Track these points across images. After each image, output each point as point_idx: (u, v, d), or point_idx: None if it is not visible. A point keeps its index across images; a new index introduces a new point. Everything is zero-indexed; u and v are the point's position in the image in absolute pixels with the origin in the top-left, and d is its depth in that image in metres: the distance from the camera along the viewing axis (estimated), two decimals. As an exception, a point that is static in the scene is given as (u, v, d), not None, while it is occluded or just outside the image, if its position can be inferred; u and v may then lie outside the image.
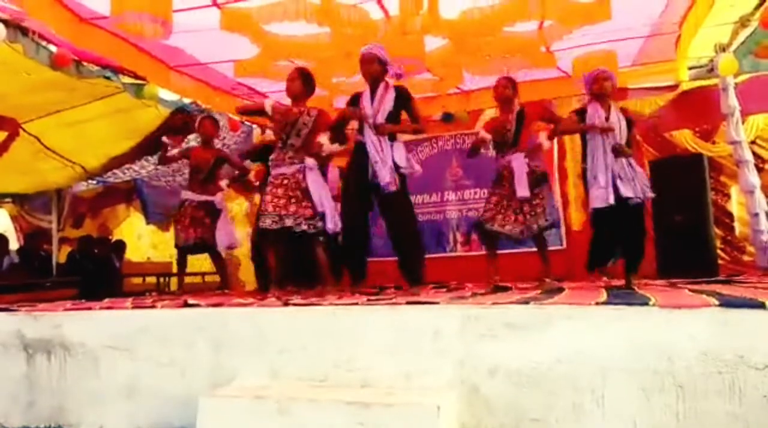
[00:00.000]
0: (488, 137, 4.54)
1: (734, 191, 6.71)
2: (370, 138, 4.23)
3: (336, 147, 4.52)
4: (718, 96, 6.06)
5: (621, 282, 4.25)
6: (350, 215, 4.35)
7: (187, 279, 6.30)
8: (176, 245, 5.48)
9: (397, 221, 4.39)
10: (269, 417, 2.41)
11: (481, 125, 5.00)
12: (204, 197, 5.36)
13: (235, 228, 5.80)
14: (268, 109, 4.32)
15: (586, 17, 4.88)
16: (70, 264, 8.26)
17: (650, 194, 4.22)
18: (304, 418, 2.38)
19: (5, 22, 4.59)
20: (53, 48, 5.11)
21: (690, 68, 6.31)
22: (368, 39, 5.22)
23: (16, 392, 3.25)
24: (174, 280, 9.07)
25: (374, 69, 4.30)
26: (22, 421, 3.20)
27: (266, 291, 4.85)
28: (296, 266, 4.81)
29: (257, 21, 4.91)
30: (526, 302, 2.73)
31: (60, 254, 8.45)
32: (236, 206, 8.75)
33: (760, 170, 6.20)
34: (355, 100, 4.43)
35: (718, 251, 6.31)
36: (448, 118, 7.57)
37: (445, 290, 4.32)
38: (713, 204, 6.17)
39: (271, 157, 4.41)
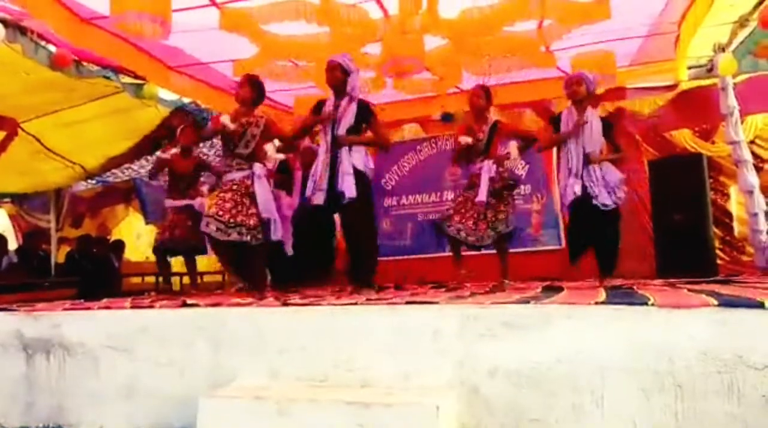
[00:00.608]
0: (469, 140, 4.59)
1: (733, 190, 6.72)
2: (326, 146, 4.31)
3: (281, 156, 4.58)
4: (717, 96, 6.06)
5: (619, 282, 4.26)
6: (310, 223, 4.51)
7: (185, 280, 6.31)
8: (154, 249, 5.56)
9: (352, 224, 4.36)
10: (269, 418, 2.41)
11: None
12: (185, 202, 5.42)
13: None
14: (230, 125, 4.36)
15: (585, 17, 4.88)
16: (69, 264, 8.25)
17: (621, 195, 4.19)
18: (303, 418, 2.38)
19: (4, 22, 4.59)
20: (52, 48, 5.11)
21: (689, 68, 6.31)
22: (368, 39, 5.24)
23: (15, 392, 3.25)
24: (175, 280, 9.11)
25: (336, 77, 4.32)
26: (21, 421, 3.19)
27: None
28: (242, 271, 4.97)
29: (257, 21, 4.91)
30: (526, 302, 2.73)
31: (59, 254, 8.44)
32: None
33: (759, 169, 6.21)
34: (318, 107, 4.47)
35: (717, 251, 6.32)
36: (447, 118, 7.58)
37: (444, 289, 4.32)
38: (712, 204, 6.18)
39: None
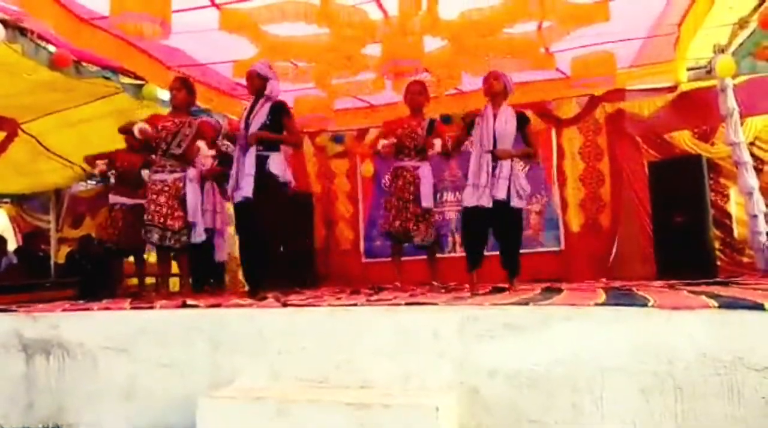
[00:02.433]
0: (438, 148, 4.68)
1: (733, 192, 6.71)
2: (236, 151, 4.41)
3: (212, 152, 4.67)
4: (716, 97, 6.06)
5: (619, 283, 4.25)
6: (240, 227, 4.45)
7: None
8: (106, 250, 5.67)
9: (251, 226, 4.29)
10: (269, 418, 2.41)
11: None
12: (135, 201, 5.40)
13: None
14: (137, 133, 4.59)
15: (585, 18, 4.89)
16: (69, 264, 8.24)
17: (518, 203, 3.99)
18: (303, 419, 2.38)
19: (4, 23, 4.59)
20: (52, 48, 5.11)
21: (689, 69, 6.32)
22: (367, 40, 5.24)
23: (15, 392, 3.25)
24: (175, 281, 9.09)
25: (256, 83, 4.37)
26: (21, 421, 3.19)
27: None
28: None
29: (256, 22, 4.92)
30: (525, 303, 2.73)
31: (58, 255, 8.43)
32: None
33: (758, 171, 6.20)
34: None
35: (717, 253, 6.31)
36: (446, 119, 7.57)
37: (443, 290, 4.32)
38: (712, 205, 6.17)
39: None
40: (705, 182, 5.91)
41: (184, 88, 4.70)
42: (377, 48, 5.35)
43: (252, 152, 4.22)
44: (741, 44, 5.75)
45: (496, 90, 4.14)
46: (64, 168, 7.32)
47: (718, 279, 4.96)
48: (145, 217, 4.51)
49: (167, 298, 4.23)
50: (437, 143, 4.66)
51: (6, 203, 9.75)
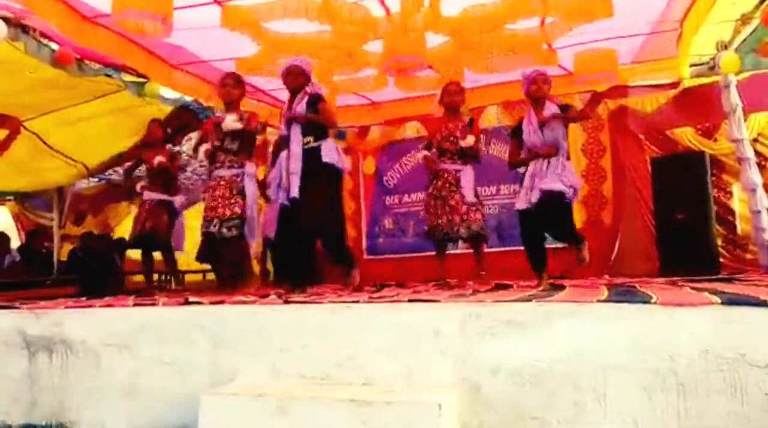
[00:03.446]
0: (470, 141, 4.62)
1: (736, 188, 6.69)
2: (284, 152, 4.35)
3: (238, 124, 4.48)
4: (719, 94, 6.04)
5: (621, 280, 4.25)
6: (285, 223, 4.40)
7: (189, 277, 6.32)
8: (128, 244, 5.79)
9: (301, 222, 4.21)
10: (270, 415, 2.42)
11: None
12: (164, 196, 5.50)
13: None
14: (203, 155, 4.66)
15: (587, 14, 4.87)
16: (71, 262, 8.26)
17: (559, 188, 4.01)
18: (304, 416, 2.38)
19: (7, 20, 4.59)
20: (55, 46, 5.11)
21: (692, 66, 6.30)
22: (369, 36, 5.23)
23: (18, 390, 3.26)
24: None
25: (299, 80, 4.36)
26: (24, 419, 3.20)
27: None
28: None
29: (258, 18, 4.91)
30: (528, 300, 2.73)
31: (61, 252, 8.45)
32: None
33: (762, 167, 6.18)
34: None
35: (720, 249, 6.30)
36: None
37: (445, 287, 4.32)
38: (715, 202, 6.16)
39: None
40: (708, 178, 5.90)
41: (238, 85, 4.71)
42: (379, 45, 5.34)
43: (297, 149, 4.19)
44: (744, 40, 5.73)
45: (544, 93, 4.15)
46: (67, 166, 7.33)
47: (720, 276, 4.95)
48: (203, 214, 4.55)
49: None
50: (469, 139, 4.56)
51: (9, 200, 9.78)
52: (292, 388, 2.61)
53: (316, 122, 4.27)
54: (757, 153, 6.22)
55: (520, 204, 4.17)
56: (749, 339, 2.19)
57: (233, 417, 2.48)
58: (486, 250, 4.87)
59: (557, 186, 3.96)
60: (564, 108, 4.27)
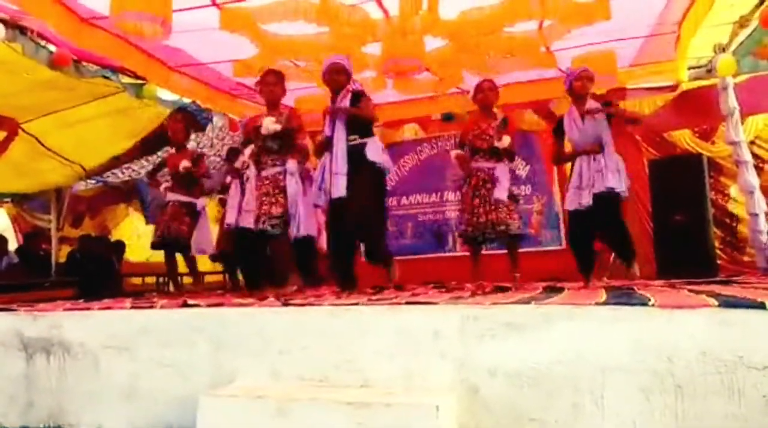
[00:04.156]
0: (506, 142, 4.49)
1: (734, 191, 6.71)
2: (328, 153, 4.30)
3: (277, 126, 4.41)
4: (717, 96, 6.06)
5: (619, 283, 4.26)
6: (333, 223, 4.37)
7: (186, 280, 6.31)
8: (152, 244, 5.56)
9: (347, 222, 4.20)
10: (269, 417, 2.41)
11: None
12: (187, 198, 5.44)
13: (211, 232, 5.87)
14: (241, 166, 4.72)
15: (585, 17, 4.88)
16: (69, 264, 8.25)
17: (613, 184, 4.01)
18: (303, 418, 2.38)
19: (4, 22, 4.59)
20: (52, 47, 5.11)
21: (689, 68, 6.31)
22: (368, 39, 5.24)
23: (15, 392, 3.25)
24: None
25: (341, 80, 4.35)
26: (21, 421, 3.19)
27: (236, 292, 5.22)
28: (263, 268, 4.98)
29: (256, 21, 4.91)
30: (526, 302, 2.73)
31: (59, 254, 8.44)
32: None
33: (759, 170, 6.21)
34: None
35: (718, 252, 6.32)
36: (448, 118, 7.58)
37: (444, 290, 4.32)
38: (713, 204, 6.17)
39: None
40: (705, 180, 5.91)
41: (280, 83, 4.65)
42: (377, 47, 5.35)
43: (342, 148, 4.15)
44: (742, 43, 5.75)
45: (588, 90, 4.15)
46: (65, 167, 7.33)
47: (718, 278, 4.96)
48: (249, 209, 4.51)
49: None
50: (505, 139, 4.45)
51: (6, 202, 9.76)
52: (292, 390, 2.61)
53: (360, 119, 4.22)
54: (755, 156, 6.25)
55: (570, 205, 4.14)
56: (747, 342, 2.19)
57: (232, 418, 2.48)
58: (484, 252, 4.85)
59: (612, 184, 3.96)
60: (606, 104, 4.25)
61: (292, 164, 4.49)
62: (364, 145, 4.20)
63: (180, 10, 4.36)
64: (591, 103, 4.19)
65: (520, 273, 4.59)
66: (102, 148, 7.25)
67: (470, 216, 4.56)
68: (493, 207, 4.46)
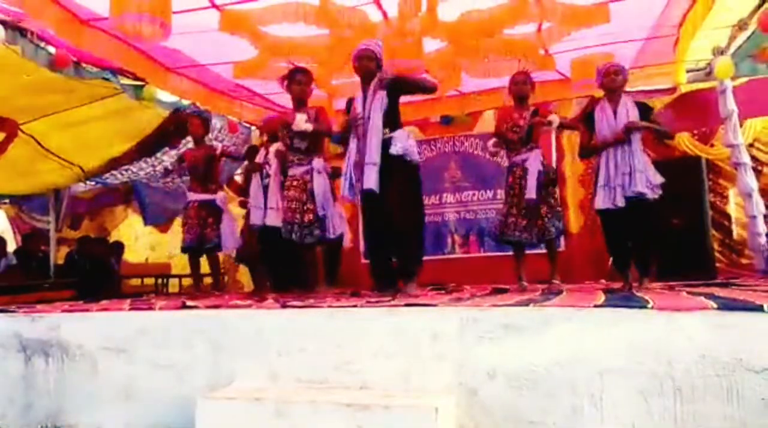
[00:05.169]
0: (556, 121, 4.41)
1: (732, 193, 6.72)
2: (354, 140, 4.12)
3: (309, 126, 4.30)
4: (716, 99, 6.06)
5: (618, 285, 4.25)
6: (368, 221, 4.23)
7: (185, 281, 6.31)
8: (182, 249, 5.48)
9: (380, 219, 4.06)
10: (267, 419, 2.41)
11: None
12: (205, 197, 5.38)
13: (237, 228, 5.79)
14: (274, 155, 4.62)
15: (584, 20, 4.89)
16: (68, 265, 8.25)
17: (644, 190, 3.94)
18: (302, 420, 2.38)
19: (4, 23, 4.59)
20: (52, 49, 5.10)
21: (688, 71, 6.32)
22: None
23: (14, 393, 3.25)
24: (173, 282, 9.07)
25: (371, 66, 4.14)
26: (20, 422, 3.19)
27: (262, 293, 5.05)
28: (292, 270, 4.89)
29: (256, 22, 4.91)
30: (525, 305, 2.73)
31: (58, 255, 8.43)
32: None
33: (758, 172, 6.21)
34: (349, 105, 4.32)
35: (716, 254, 6.32)
36: (447, 120, 7.59)
37: (443, 292, 4.32)
38: (711, 207, 6.18)
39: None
40: (704, 183, 5.93)
41: (310, 82, 4.56)
42: (377, 49, 5.35)
43: (376, 139, 3.94)
44: (740, 46, 5.75)
45: (618, 85, 4.14)
46: (64, 169, 7.33)
47: (717, 281, 4.97)
48: (282, 215, 4.41)
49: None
50: (554, 118, 4.34)
51: (5, 203, 9.76)
52: (290, 392, 2.61)
53: (393, 113, 4.06)
54: (753, 158, 6.25)
55: (602, 203, 4.05)
56: (745, 344, 2.20)
57: (230, 420, 2.48)
58: (483, 254, 4.85)
59: (642, 189, 3.90)
60: (644, 107, 4.19)
61: (318, 163, 4.39)
62: (391, 139, 4.01)
63: (180, 11, 4.36)
64: (625, 103, 4.11)
65: (559, 276, 4.46)
66: (101, 149, 7.24)
67: (502, 221, 4.52)
68: (518, 211, 4.43)
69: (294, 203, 4.32)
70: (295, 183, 4.36)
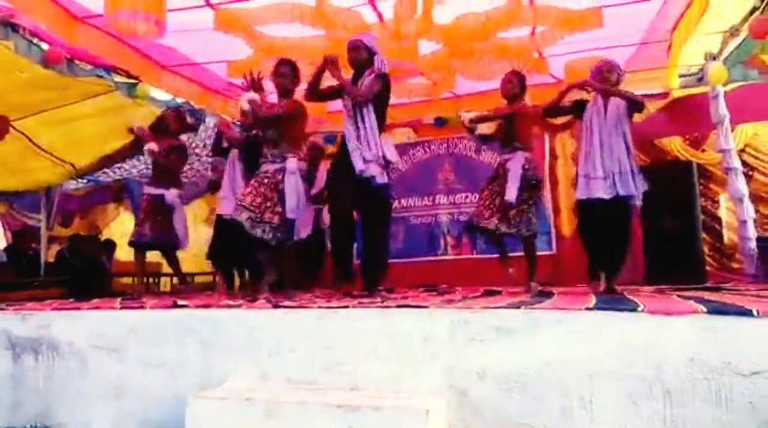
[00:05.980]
0: (471, 115, 4.51)
1: (723, 198, 6.76)
2: (349, 127, 4.16)
3: (255, 96, 4.14)
4: (708, 104, 6.10)
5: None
6: (335, 213, 4.30)
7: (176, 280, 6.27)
8: (129, 242, 5.35)
9: (371, 217, 4.15)
10: (257, 419, 2.41)
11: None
12: (157, 191, 5.29)
13: (190, 228, 5.66)
14: (246, 104, 4.23)
15: (578, 24, 4.91)
16: (59, 263, 8.20)
17: (633, 192, 3.91)
18: (292, 421, 2.38)
19: (-3, 20, 4.57)
20: (45, 46, 5.08)
21: (681, 76, 6.36)
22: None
23: (2, 391, 3.23)
24: (165, 280, 9.03)
25: (361, 56, 4.17)
26: (8, 421, 3.17)
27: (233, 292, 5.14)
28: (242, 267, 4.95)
29: (251, 22, 4.91)
30: (516, 307, 2.74)
31: (49, 253, 8.39)
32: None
33: (748, 177, 6.25)
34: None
35: (707, 258, 6.36)
36: (440, 122, 7.60)
37: (435, 293, 4.32)
38: (702, 211, 6.21)
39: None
40: (695, 187, 5.96)
41: (292, 73, 4.37)
42: (372, 51, 5.35)
43: (372, 132, 4.02)
44: (732, 52, 5.79)
45: (611, 82, 4.16)
46: (55, 166, 7.29)
47: (707, 285, 4.99)
48: (250, 205, 4.09)
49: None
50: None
51: (-5, 200, 9.70)
52: (280, 392, 2.61)
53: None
54: (744, 163, 6.29)
55: (582, 194, 4.02)
56: (735, 348, 2.21)
57: (221, 420, 2.47)
58: (476, 256, 4.84)
59: (634, 191, 3.89)
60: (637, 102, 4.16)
61: (292, 163, 4.15)
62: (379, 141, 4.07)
63: (174, 9, 4.35)
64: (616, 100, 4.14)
65: (535, 281, 4.37)
66: (93, 147, 7.21)
67: (477, 211, 4.45)
68: (492, 206, 4.36)
69: (261, 200, 4.10)
70: (266, 181, 4.15)
